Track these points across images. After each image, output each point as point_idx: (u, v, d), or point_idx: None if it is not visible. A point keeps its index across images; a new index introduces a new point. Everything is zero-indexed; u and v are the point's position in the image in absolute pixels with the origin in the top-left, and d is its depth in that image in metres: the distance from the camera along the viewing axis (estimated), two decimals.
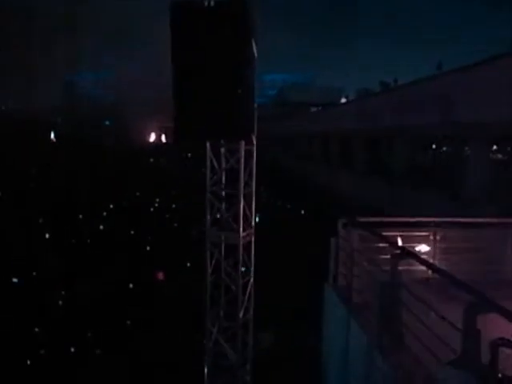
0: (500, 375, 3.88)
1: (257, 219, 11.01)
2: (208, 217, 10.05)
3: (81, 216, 32.04)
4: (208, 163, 9.90)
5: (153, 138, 78.17)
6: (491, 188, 19.88)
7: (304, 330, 14.28)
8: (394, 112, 26.06)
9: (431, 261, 7.56)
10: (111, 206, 35.86)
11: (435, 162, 37.93)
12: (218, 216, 10.22)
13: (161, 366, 13.86)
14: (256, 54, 9.69)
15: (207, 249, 10.23)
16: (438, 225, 8.00)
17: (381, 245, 7.15)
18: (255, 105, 9.60)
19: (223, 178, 10.33)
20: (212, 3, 8.45)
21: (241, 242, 9.85)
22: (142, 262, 22.13)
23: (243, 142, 9.51)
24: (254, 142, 10.09)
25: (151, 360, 14.14)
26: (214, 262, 10.30)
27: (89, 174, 41.59)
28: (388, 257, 6.05)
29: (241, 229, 9.76)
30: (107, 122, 78.30)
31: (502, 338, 3.82)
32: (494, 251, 8.13)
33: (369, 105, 31.56)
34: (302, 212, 29.59)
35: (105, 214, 34.09)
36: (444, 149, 39.24)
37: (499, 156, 31.69)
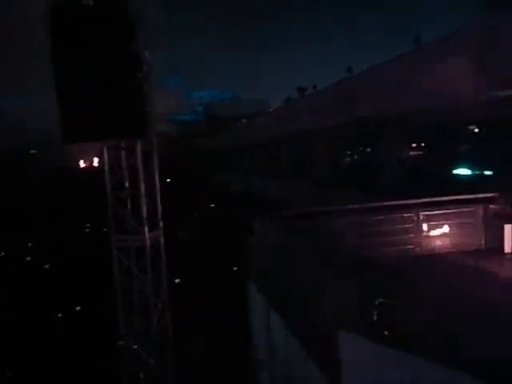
0: None
1: None
2: (111, 222, 9.77)
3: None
4: (106, 166, 9.67)
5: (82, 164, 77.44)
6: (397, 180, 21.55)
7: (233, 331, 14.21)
8: (310, 115, 27.16)
9: None
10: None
11: (357, 161, 40.38)
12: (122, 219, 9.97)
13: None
14: (148, 57, 9.67)
15: (114, 255, 9.92)
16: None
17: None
18: (150, 106, 9.53)
19: (126, 182, 10.15)
20: (91, 2, 8.36)
21: (148, 244, 9.67)
22: None
23: (139, 142, 9.42)
24: (154, 141, 10.03)
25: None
26: (123, 267, 10.01)
27: None
28: None
29: (146, 230, 9.59)
30: (33, 151, 73.36)
31: None
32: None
33: (288, 110, 32.60)
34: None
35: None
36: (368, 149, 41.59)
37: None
